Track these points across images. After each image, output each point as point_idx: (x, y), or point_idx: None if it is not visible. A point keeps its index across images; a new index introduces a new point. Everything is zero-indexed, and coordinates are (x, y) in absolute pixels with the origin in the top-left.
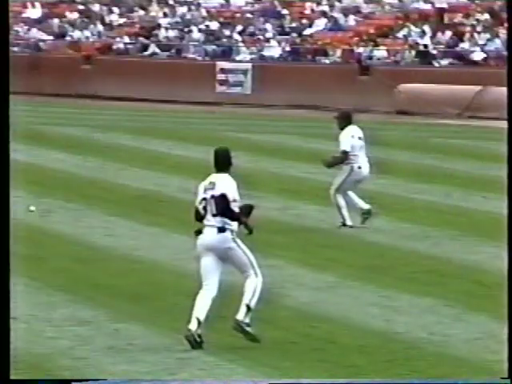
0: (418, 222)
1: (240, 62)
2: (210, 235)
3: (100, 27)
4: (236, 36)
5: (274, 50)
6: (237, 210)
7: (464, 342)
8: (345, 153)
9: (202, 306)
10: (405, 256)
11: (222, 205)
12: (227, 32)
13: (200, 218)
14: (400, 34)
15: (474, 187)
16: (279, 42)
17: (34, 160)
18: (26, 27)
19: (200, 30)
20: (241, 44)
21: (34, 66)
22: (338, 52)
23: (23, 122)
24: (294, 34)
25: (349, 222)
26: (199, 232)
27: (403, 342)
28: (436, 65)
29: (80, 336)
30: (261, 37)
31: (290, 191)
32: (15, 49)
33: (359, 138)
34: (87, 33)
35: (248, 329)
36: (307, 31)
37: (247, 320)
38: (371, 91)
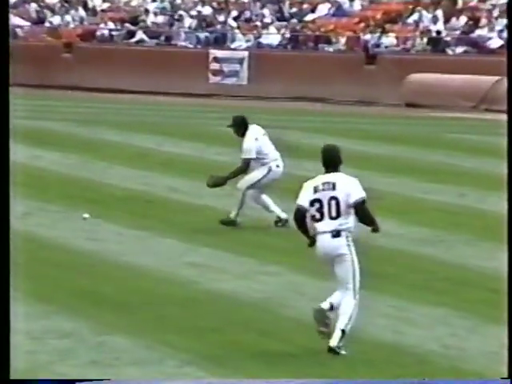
0: (430, 225)
1: (235, 50)
2: (325, 241)
3: (82, 12)
4: (231, 22)
5: (272, 38)
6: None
7: (480, 355)
8: (246, 162)
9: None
10: (415, 262)
11: (347, 207)
12: (221, 18)
13: (301, 222)
14: (410, 20)
15: (491, 187)
16: (278, 29)
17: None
18: None
19: (191, 16)
20: (236, 31)
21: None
22: (343, 39)
23: None
24: (295, 20)
25: (283, 215)
26: (313, 242)
27: (414, 355)
28: (449, 53)
29: (61, 350)
30: (258, 23)
31: (290, 191)
32: None
33: (264, 135)
34: (68, 18)
35: (343, 352)
36: (309, 17)
37: (341, 344)
38: (378, 82)
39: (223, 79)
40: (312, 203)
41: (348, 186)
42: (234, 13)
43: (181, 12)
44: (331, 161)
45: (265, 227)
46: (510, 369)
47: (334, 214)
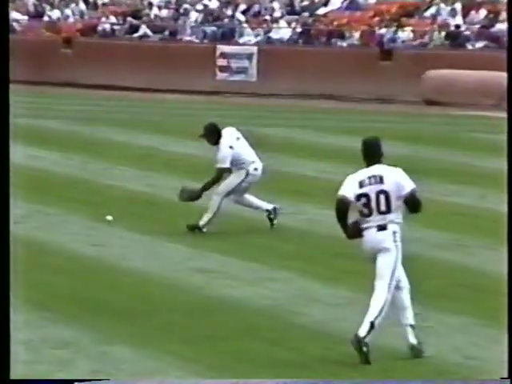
0: (448, 229)
1: (244, 45)
2: (371, 235)
3: (82, 6)
4: (239, 16)
5: (282, 32)
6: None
7: (502, 366)
8: (220, 172)
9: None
10: (433, 268)
11: (397, 200)
12: (229, 11)
13: (343, 214)
14: (427, 13)
15: None
16: (289, 23)
17: None
18: None
19: (198, 10)
20: (245, 25)
21: None
22: (357, 34)
23: None
24: (306, 14)
25: (268, 206)
26: (354, 235)
27: (433, 365)
28: (469, 48)
29: (61, 359)
30: (268, 17)
31: (300, 193)
32: None
33: (238, 139)
34: (68, 12)
35: (365, 349)
36: (321, 10)
37: (368, 339)
38: (394, 78)
39: (231, 76)
40: (358, 198)
41: (397, 178)
42: (243, 6)
43: (186, 5)
44: (374, 153)
45: (273, 231)
46: (510, 369)
47: (383, 208)
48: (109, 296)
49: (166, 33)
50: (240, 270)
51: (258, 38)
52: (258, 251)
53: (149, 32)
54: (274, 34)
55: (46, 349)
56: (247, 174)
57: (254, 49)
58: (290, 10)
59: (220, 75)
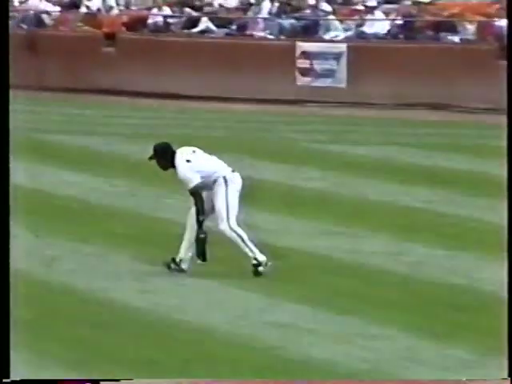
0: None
1: (331, 41)
2: None
3: None
4: (324, 5)
5: (378, 25)
6: None
7: None
8: (195, 190)
9: None
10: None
11: None
12: (311, 0)
13: None
14: None
15: None
16: (386, 14)
17: (34, 183)
18: None
19: None
20: (331, 16)
21: (32, 47)
22: (471, 26)
23: (17, 128)
24: (408, 2)
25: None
26: None
27: None
28: None
29: None
30: (360, 6)
31: (403, 228)
32: None
33: (194, 152)
34: (111, 1)
35: None
36: None
37: None
38: None
39: (315, 80)
40: None
41: None
42: None
43: None
44: None
45: (367, 274)
46: (510, 369)
47: None
48: (162, 356)
49: (233, 27)
50: (326, 325)
51: (349, 33)
52: (347, 299)
53: (212, 26)
54: (367, 28)
55: None
56: (226, 182)
57: (344, 46)
58: None
59: (301, 80)
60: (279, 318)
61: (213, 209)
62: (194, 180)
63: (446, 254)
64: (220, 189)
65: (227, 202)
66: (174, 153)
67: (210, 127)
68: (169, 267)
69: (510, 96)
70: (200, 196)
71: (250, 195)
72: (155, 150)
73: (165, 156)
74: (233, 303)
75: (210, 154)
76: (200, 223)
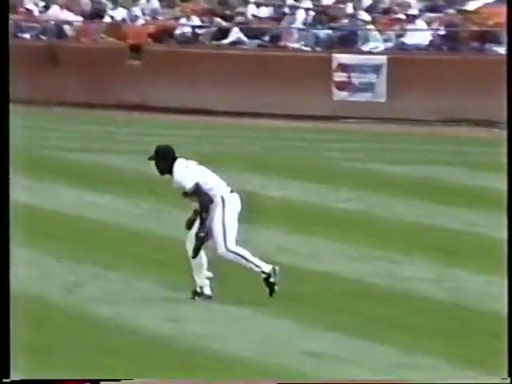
0: None
1: (370, 53)
2: None
3: (155, 3)
4: (362, 14)
5: (420, 36)
6: None
7: None
8: (195, 189)
9: None
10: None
11: None
12: (349, 9)
13: None
14: None
15: None
16: (428, 23)
17: (53, 204)
18: (43, 3)
19: (307, 8)
20: (370, 26)
21: (53, 60)
22: None
23: (34, 146)
24: (452, 10)
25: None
26: None
27: None
28: None
29: None
30: (401, 15)
31: (445, 252)
32: (26, 35)
33: (196, 164)
34: (136, 11)
35: None
36: (471, 5)
37: None
38: None
39: (352, 95)
40: None
41: None
42: (367, 1)
43: (292, 2)
44: None
45: (406, 301)
46: (510, 369)
47: None
48: None
49: (266, 38)
50: (366, 354)
51: (388, 44)
52: (387, 328)
53: (243, 37)
54: (409, 39)
55: None
56: (223, 202)
57: (383, 58)
58: (431, 5)
59: (337, 94)
60: (315, 348)
61: (211, 233)
62: (193, 181)
63: (488, 280)
64: (217, 210)
65: (224, 225)
66: (174, 159)
67: (240, 144)
68: (195, 298)
69: (510, 100)
70: (202, 191)
71: (282, 216)
72: (157, 151)
73: (165, 159)
74: (263, 331)
75: (241, 173)
76: (202, 221)
